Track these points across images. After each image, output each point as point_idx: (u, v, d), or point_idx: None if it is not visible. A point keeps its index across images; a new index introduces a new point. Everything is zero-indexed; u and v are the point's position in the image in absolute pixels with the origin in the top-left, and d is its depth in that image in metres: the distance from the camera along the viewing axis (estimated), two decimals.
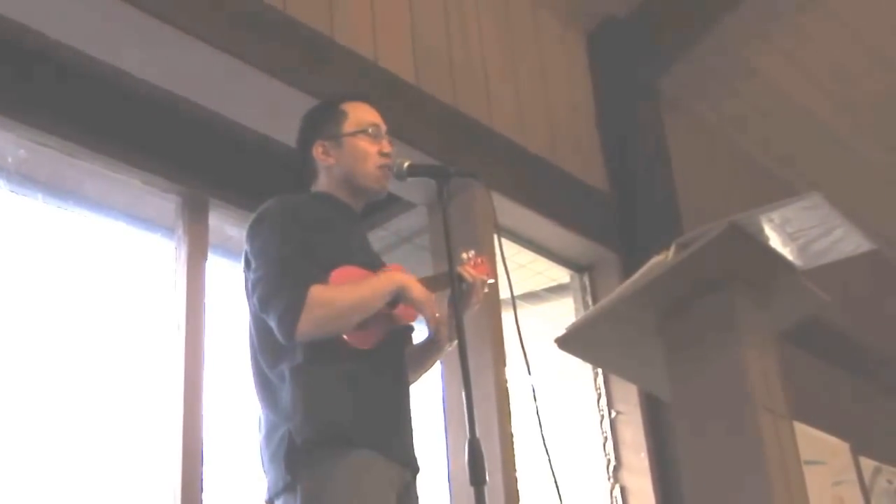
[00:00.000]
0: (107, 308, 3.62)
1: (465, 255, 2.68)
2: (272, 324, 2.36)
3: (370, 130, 2.68)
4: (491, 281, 2.75)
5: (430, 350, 2.70)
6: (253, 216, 2.55)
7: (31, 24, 3.13)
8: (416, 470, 2.50)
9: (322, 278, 2.38)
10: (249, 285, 2.47)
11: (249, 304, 2.49)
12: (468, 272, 2.64)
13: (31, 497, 3.18)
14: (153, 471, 3.41)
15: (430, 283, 2.65)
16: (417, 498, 2.49)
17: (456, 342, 2.58)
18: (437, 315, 2.54)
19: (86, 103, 3.53)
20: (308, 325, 2.31)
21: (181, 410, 3.41)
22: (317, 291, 2.33)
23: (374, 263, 2.58)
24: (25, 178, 3.52)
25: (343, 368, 2.39)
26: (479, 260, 2.71)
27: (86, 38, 3.22)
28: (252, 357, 2.52)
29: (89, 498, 3.32)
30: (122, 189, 3.71)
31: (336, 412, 2.34)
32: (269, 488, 2.39)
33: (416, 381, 2.69)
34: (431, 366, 2.75)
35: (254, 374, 2.51)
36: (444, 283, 2.62)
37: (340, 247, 2.50)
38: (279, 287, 2.36)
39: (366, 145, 2.67)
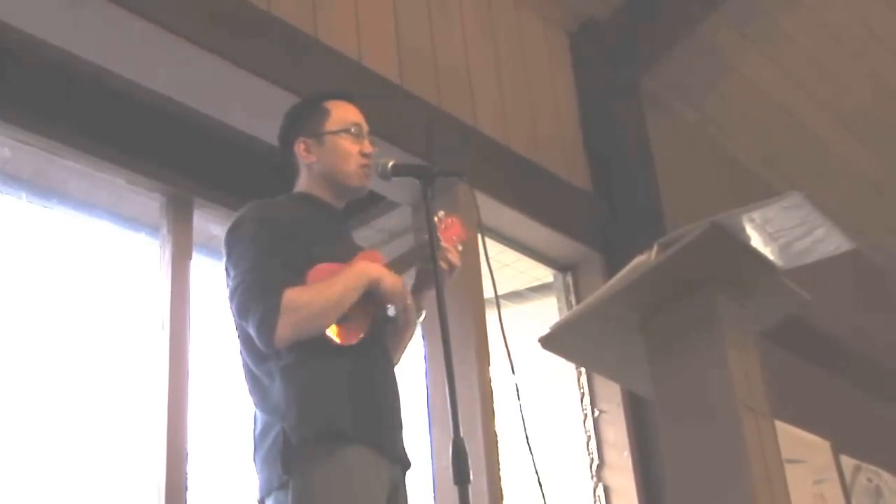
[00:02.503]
0: (91, 307, 3.61)
1: (434, 218, 2.64)
2: (251, 332, 2.37)
3: (353, 130, 2.69)
4: (460, 248, 2.73)
5: (400, 330, 2.71)
6: (229, 224, 2.56)
7: (15, 23, 3.12)
8: (406, 466, 2.52)
9: (297, 283, 2.39)
10: (228, 293, 2.47)
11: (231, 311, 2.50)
12: (445, 246, 2.62)
13: (16, 495, 3.18)
14: (138, 470, 3.40)
15: (399, 263, 2.64)
16: (407, 495, 2.50)
17: (424, 314, 2.65)
18: (407, 303, 2.57)
19: (70, 102, 3.53)
20: (285, 330, 2.32)
21: (166, 409, 3.41)
22: (290, 296, 2.34)
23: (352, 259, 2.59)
24: (9, 176, 3.52)
25: (332, 364, 2.40)
26: (450, 221, 2.69)
27: (69, 37, 3.21)
28: (242, 358, 2.52)
29: (74, 496, 3.31)
30: (106, 188, 3.72)
31: (330, 409, 2.35)
32: (260, 487, 2.39)
33: (397, 362, 2.70)
34: (406, 345, 2.75)
35: (244, 372, 2.51)
36: (413, 261, 2.63)
37: (318, 249, 2.50)
38: (254, 295, 2.37)
39: (348, 144, 2.67)
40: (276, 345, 2.33)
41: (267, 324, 2.32)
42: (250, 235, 2.48)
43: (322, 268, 2.45)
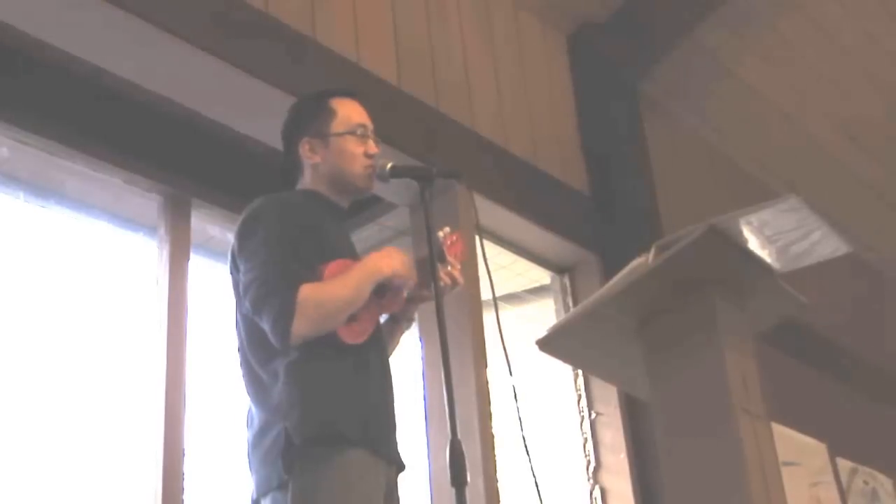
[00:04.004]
0: (89, 307, 3.61)
1: (440, 234, 2.63)
2: (266, 328, 2.35)
3: (358, 132, 2.68)
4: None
5: (392, 332, 2.71)
6: (243, 215, 2.54)
7: (13, 23, 3.12)
8: (401, 468, 2.52)
9: (313, 278, 2.38)
10: (241, 288, 2.45)
11: (240, 305, 2.48)
12: (449, 261, 2.63)
13: (14, 495, 3.18)
14: (134, 469, 3.40)
15: None
16: (399, 497, 2.50)
17: (415, 322, 2.68)
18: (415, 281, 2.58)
19: (68, 102, 3.53)
20: (302, 327, 2.31)
21: (163, 409, 3.41)
22: (307, 292, 2.33)
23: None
24: (7, 176, 3.52)
25: (336, 365, 2.39)
26: (455, 237, 2.69)
27: (68, 36, 3.22)
28: (241, 355, 2.51)
29: (71, 495, 3.31)
30: (104, 188, 3.71)
31: (333, 410, 2.34)
32: (256, 487, 2.38)
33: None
34: (396, 347, 2.75)
35: (243, 372, 2.50)
36: (420, 272, 2.61)
37: (329, 245, 2.50)
38: (271, 291, 2.35)
39: (353, 147, 2.66)
40: (291, 342, 2.32)
41: (283, 321, 2.31)
42: (266, 228, 2.47)
43: (339, 263, 2.45)
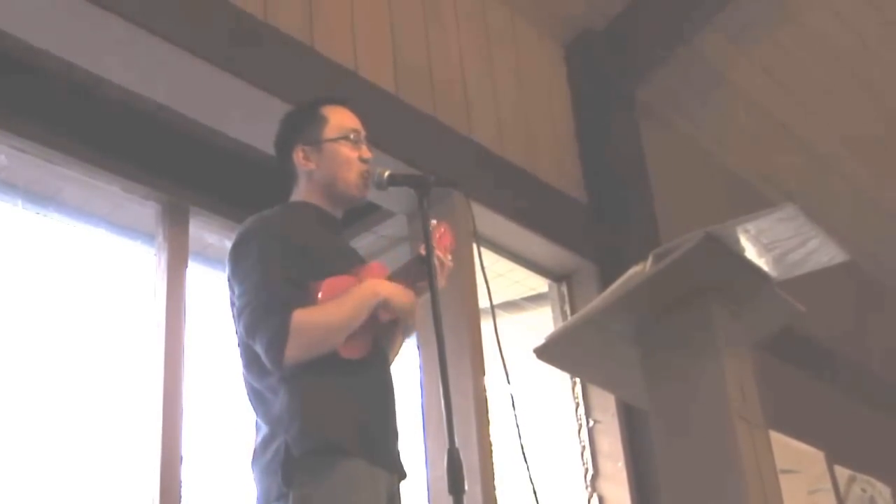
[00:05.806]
0: (87, 314, 3.61)
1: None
2: (259, 352, 2.36)
3: (351, 136, 2.68)
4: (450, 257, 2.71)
5: (394, 335, 2.70)
6: (234, 237, 2.54)
7: (11, 30, 3.13)
8: (402, 476, 2.52)
9: (306, 300, 2.38)
10: (235, 311, 2.46)
11: (236, 327, 2.49)
12: (438, 255, 2.60)
13: (10, 499, 3.18)
14: (132, 475, 3.40)
15: (400, 274, 2.64)
16: None
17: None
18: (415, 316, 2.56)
19: (66, 109, 3.53)
20: (295, 351, 2.31)
21: (161, 416, 3.41)
22: (300, 317, 2.33)
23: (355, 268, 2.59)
24: (5, 183, 3.52)
25: (336, 377, 2.39)
26: (442, 230, 2.67)
27: (66, 44, 3.22)
28: (243, 372, 2.52)
29: (69, 501, 3.31)
30: (102, 196, 3.72)
31: (332, 423, 2.35)
32: (258, 497, 2.38)
33: (391, 363, 2.68)
34: (400, 346, 2.74)
35: (245, 387, 2.51)
36: (413, 273, 2.61)
37: (323, 261, 2.49)
38: (262, 315, 2.36)
39: (346, 151, 2.66)
40: (284, 365, 2.32)
41: (276, 346, 2.31)
42: (258, 251, 2.46)
43: (331, 283, 2.44)
